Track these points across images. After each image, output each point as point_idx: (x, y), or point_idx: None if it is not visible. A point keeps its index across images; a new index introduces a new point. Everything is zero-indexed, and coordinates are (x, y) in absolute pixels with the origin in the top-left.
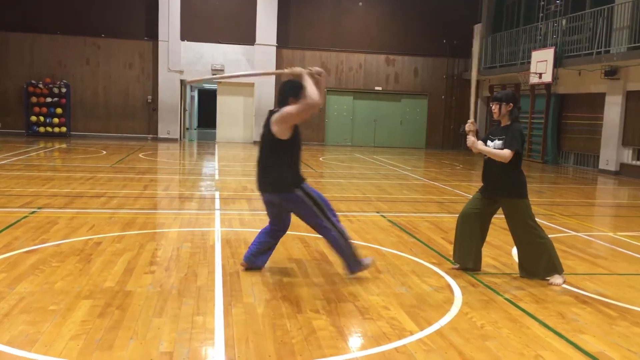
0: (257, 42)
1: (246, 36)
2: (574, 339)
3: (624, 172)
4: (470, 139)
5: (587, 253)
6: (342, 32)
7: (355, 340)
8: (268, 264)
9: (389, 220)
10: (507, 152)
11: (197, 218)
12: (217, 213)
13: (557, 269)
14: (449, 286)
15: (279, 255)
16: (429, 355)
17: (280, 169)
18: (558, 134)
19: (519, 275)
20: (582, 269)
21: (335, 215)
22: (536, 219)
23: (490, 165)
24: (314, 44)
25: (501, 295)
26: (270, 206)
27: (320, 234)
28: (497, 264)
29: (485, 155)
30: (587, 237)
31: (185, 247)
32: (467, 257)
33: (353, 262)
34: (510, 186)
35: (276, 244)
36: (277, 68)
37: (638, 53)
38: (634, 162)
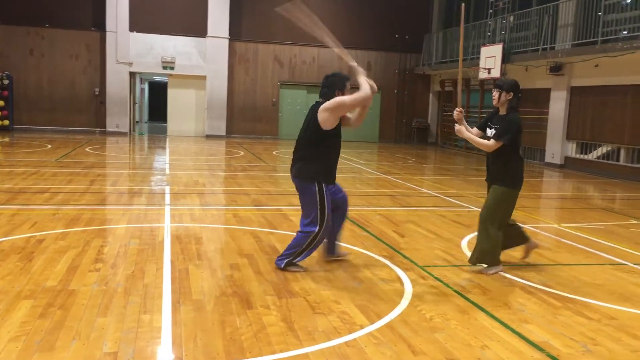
0: (209, 34)
1: (198, 28)
2: (519, 329)
3: (568, 165)
4: (457, 126)
5: None
6: (296, 25)
7: (305, 336)
8: (218, 260)
9: None
10: (491, 143)
11: (146, 214)
12: (167, 208)
13: (486, 260)
14: (399, 279)
15: (229, 250)
16: (378, 348)
17: (310, 159)
18: None
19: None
20: (528, 259)
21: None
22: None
23: (488, 152)
24: (268, 36)
25: (450, 288)
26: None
27: (301, 225)
28: (447, 257)
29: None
30: (534, 229)
31: (133, 244)
32: (515, 239)
33: (289, 259)
34: (502, 174)
35: (341, 223)
36: (229, 61)
37: (582, 50)
38: (577, 156)
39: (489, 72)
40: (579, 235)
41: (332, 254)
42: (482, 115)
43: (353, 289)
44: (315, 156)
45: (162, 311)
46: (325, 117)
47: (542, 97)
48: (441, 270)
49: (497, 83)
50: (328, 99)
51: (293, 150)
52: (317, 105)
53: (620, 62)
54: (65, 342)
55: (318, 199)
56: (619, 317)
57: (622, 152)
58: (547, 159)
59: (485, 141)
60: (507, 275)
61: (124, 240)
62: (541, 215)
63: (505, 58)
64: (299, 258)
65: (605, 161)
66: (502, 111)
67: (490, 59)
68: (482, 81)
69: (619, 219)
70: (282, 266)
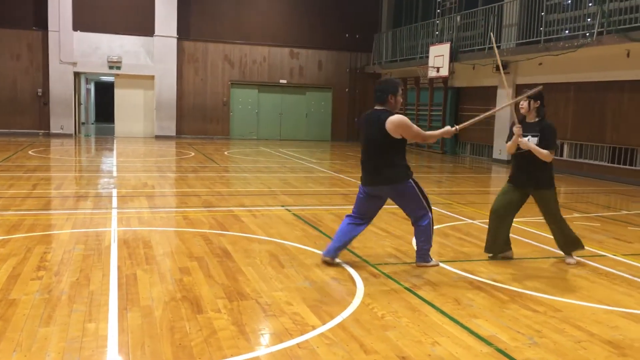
0: (156, 33)
1: (145, 27)
2: (468, 324)
3: None
4: (523, 140)
5: (482, 240)
6: (246, 24)
7: (256, 339)
8: (167, 264)
9: (294, 214)
10: (549, 153)
11: (91, 218)
12: (114, 212)
13: (576, 246)
14: (351, 278)
15: (179, 253)
16: (330, 348)
17: (393, 162)
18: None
19: (548, 257)
20: (477, 255)
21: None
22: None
23: (527, 158)
24: (217, 36)
25: (401, 285)
26: (371, 199)
27: (417, 221)
28: (398, 254)
29: (520, 149)
30: (482, 225)
31: (78, 250)
32: (505, 245)
33: (426, 254)
34: (548, 178)
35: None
36: (178, 61)
37: (526, 49)
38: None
39: (437, 71)
40: (525, 229)
41: (330, 256)
42: (432, 113)
43: (305, 290)
44: (394, 158)
45: (108, 319)
46: (392, 130)
47: (488, 94)
48: (392, 268)
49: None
50: (382, 102)
51: (363, 162)
52: (375, 113)
53: (562, 61)
54: (5, 355)
55: (417, 190)
56: (564, 309)
57: (566, 147)
58: (495, 155)
59: (544, 151)
60: (456, 270)
61: (69, 246)
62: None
63: (453, 57)
64: (427, 250)
65: None
66: (531, 118)
67: (439, 58)
68: (432, 80)
69: (563, 212)
70: (427, 261)
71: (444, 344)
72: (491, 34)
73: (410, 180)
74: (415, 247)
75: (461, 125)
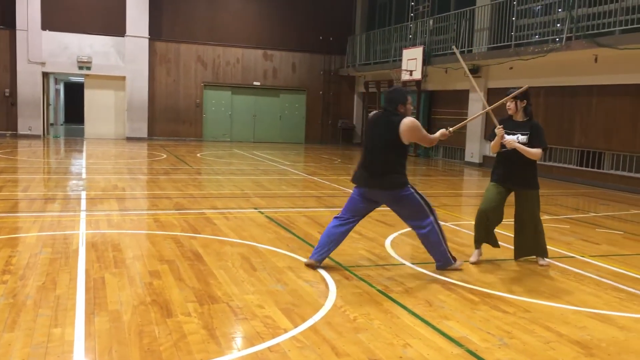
0: (127, 33)
1: (116, 27)
2: (440, 326)
3: (487, 164)
4: (507, 138)
5: (454, 242)
6: (219, 25)
7: (227, 342)
8: (136, 268)
9: (267, 216)
10: (539, 152)
11: (59, 220)
12: (83, 214)
13: (545, 252)
14: (324, 281)
15: (149, 256)
16: (302, 352)
17: (397, 168)
18: (429, 128)
19: (513, 258)
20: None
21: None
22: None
23: (513, 158)
24: (189, 36)
25: (374, 287)
26: (367, 202)
27: (420, 230)
28: (371, 256)
29: (504, 148)
30: (454, 227)
31: (45, 253)
32: (495, 241)
33: (445, 259)
34: (532, 178)
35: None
36: (150, 62)
37: (497, 53)
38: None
39: (410, 74)
40: (496, 231)
41: (315, 260)
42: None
43: (277, 293)
44: (398, 164)
45: (74, 324)
46: (405, 133)
47: (461, 98)
48: (365, 270)
49: (508, 93)
50: (392, 109)
51: (366, 163)
52: (386, 114)
53: (532, 65)
54: None
55: (417, 195)
56: (533, 309)
57: None
58: (467, 157)
59: (534, 150)
60: (428, 272)
61: (35, 250)
62: (462, 213)
63: (426, 60)
64: (447, 253)
65: None
66: (519, 118)
67: (412, 61)
68: (405, 83)
69: None
70: (449, 263)
71: (415, 345)
72: (453, 46)
73: (409, 186)
74: (391, 252)
75: (454, 127)
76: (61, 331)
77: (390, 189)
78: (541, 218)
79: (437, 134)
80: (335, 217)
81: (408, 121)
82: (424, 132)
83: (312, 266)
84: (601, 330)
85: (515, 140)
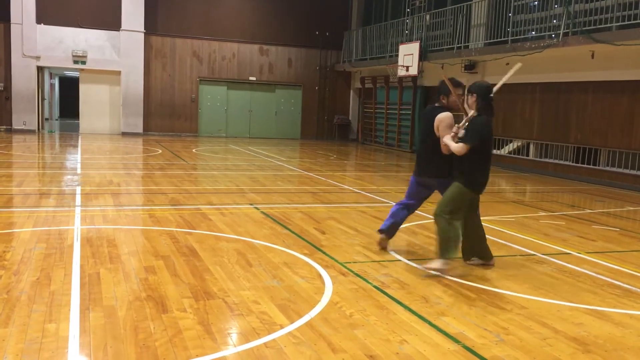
0: (122, 27)
1: (111, 21)
2: (436, 322)
3: None
4: (445, 136)
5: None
6: (215, 20)
7: (223, 338)
8: (132, 263)
9: (263, 212)
10: (459, 147)
11: (54, 216)
12: (78, 210)
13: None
14: (320, 276)
15: (144, 252)
16: (298, 348)
17: (440, 159)
18: None
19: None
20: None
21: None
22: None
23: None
24: (185, 31)
25: (370, 283)
26: (423, 187)
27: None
28: (367, 252)
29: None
30: None
31: (39, 248)
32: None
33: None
34: (458, 173)
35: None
36: (145, 56)
37: (493, 48)
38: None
39: (407, 70)
40: (492, 227)
41: (386, 233)
42: (401, 112)
43: (273, 288)
44: (440, 155)
45: (69, 319)
46: (435, 125)
47: None
48: (361, 266)
49: (469, 87)
50: (438, 102)
51: (418, 153)
52: (432, 108)
53: (529, 61)
54: None
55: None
56: (529, 306)
57: (532, 147)
58: None
59: (455, 145)
60: (424, 269)
61: (29, 245)
62: None
63: (423, 56)
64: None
65: (515, 156)
66: (474, 113)
67: (408, 57)
68: (401, 78)
69: (528, 211)
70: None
71: (411, 342)
72: (518, 63)
73: (450, 177)
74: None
75: (461, 124)
76: (56, 327)
77: (439, 177)
78: (534, 215)
79: (446, 139)
80: (397, 203)
81: (441, 115)
82: (447, 132)
83: (381, 245)
84: (598, 326)
85: (447, 135)
